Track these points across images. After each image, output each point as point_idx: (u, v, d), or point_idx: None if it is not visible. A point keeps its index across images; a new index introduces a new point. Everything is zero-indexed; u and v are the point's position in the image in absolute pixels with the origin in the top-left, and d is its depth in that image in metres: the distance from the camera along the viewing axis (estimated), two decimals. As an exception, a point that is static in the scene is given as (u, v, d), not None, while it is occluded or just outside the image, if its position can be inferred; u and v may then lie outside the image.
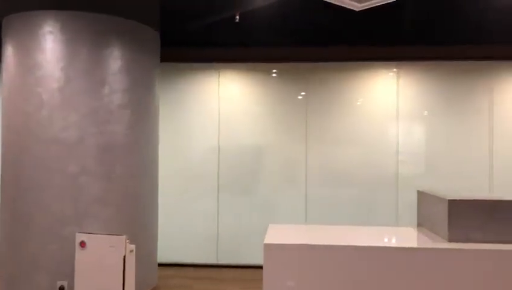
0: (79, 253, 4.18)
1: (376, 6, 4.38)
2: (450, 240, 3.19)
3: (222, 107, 6.43)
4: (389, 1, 4.12)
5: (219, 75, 6.47)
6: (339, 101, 6.25)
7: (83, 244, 4.18)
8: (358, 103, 6.21)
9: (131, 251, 4.21)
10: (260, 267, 3.25)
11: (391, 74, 6.20)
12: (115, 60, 4.59)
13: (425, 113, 6.17)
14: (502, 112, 5.96)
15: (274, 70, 6.48)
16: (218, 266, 6.28)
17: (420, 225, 3.91)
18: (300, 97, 6.32)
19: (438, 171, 6.06)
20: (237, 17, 4.79)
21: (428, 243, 3.25)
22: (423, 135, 6.17)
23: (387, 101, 6.18)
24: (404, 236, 3.68)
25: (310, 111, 6.29)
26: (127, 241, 4.16)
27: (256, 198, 6.31)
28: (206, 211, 6.33)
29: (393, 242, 3.16)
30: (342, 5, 3.77)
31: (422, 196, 3.95)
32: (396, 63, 6.17)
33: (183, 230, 6.32)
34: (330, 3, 3.94)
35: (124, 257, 4.11)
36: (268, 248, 3.16)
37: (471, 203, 3.27)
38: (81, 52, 4.43)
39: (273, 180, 6.30)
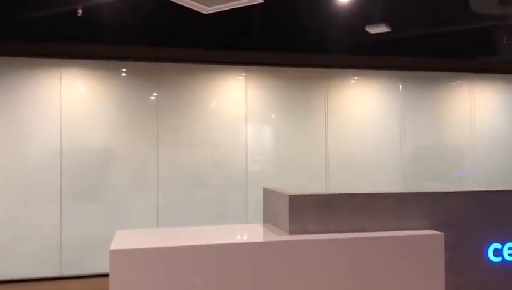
0: None
1: (226, 11, 4.51)
2: (291, 233, 3.42)
3: (65, 107, 5.98)
4: (237, 6, 4.27)
5: (61, 72, 6.01)
6: (191, 103, 6.29)
7: None
8: (212, 105, 6.33)
9: (-48, 271, 3.66)
10: (108, 275, 3.10)
11: (240, 77, 6.45)
12: None
13: (273, 116, 6.55)
14: (336, 115, 6.62)
15: (124, 70, 6.25)
16: (61, 278, 5.81)
17: (266, 221, 4.13)
18: (152, 98, 6.20)
19: (284, 169, 6.49)
20: (80, 11, 4.51)
21: (271, 236, 3.44)
22: (270, 136, 6.55)
23: (236, 103, 6.41)
24: (250, 232, 3.84)
25: (161, 112, 6.21)
26: None
27: (105, 204, 6.00)
28: (47, 220, 5.81)
29: (239, 238, 3.28)
30: (190, 7, 3.79)
31: (266, 193, 4.17)
32: (245, 67, 6.44)
33: (21, 242, 5.71)
34: (179, 4, 3.94)
35: None
36: (115, 254, 3.02)
37: (309, 197, 3.55)
38: None
39: (123, 185, 6.07)
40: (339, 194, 3.66)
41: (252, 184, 6.20)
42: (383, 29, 5.08)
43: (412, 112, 6.74)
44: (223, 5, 3.88)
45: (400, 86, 6.77)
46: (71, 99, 5.95)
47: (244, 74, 6.41)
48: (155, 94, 6.21)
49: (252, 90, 6.39)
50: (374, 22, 5.03)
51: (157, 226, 5.93)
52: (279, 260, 3.20)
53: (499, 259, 3.78)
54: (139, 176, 6.07)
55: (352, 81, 6.74)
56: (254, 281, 3.11)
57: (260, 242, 3.23)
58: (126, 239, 3.36)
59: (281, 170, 6.47)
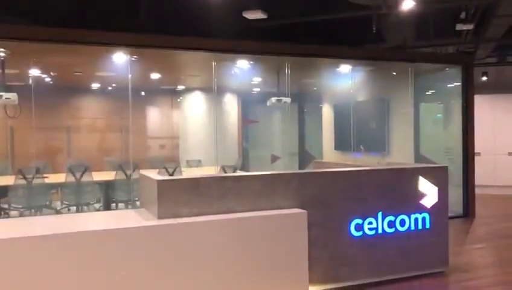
0: None
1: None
2: (160, 217, 3.43)
3: None
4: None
5: None
6: (74, 84, 5.99)
7: None
8: (98, 87, 6.09)
9: None
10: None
11: (128, 59, 6.25)
12: None
13: (159, 99, 6.45)
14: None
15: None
16: None
17: (142, 206, 4.09)
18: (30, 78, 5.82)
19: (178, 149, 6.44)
20: None
21: (137, 222, 3.42)
22: (164, 118, 6.48)
23: (122, 85, 6.21)
24: (118, 218, 3.77)
25: (39, 94, 5.84)
26: None
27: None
28: None
29: (100, 225, 3.23)
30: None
31: (142, 178, 4.12)
32: (132, 49, 6.24)
33: None
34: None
35: None
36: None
37: (178, 182, 3.58)
38: None
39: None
40: (207, 177, 3.72)
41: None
42: (259, 15, 5.19)
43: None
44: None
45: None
46: None
47: (136, 56, 6.22)
48: (35, 75, 5.84)
49: (138, 72, 6.23)
50: (251, 7, 5.12)
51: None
52: (147, 244, 3.19)
53: (360, 233, 4.09)
54: None
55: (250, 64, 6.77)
56: (121, 267, 3.09)
57: (125, 228, 3.19)
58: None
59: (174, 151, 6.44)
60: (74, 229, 3.13)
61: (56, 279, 2.92)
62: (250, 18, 5.29)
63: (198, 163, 8.63)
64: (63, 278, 2.94)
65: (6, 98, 5.76)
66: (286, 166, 10.22)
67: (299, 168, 10.39)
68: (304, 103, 11.15)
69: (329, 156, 9.69)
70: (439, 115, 8.59)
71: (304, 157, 10.96)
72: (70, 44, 5.99)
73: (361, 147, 8.23)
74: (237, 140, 10.11)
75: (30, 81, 5.91)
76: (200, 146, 9.21)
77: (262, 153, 10.68)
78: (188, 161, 8.62)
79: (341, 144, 9.17)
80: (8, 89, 5.86)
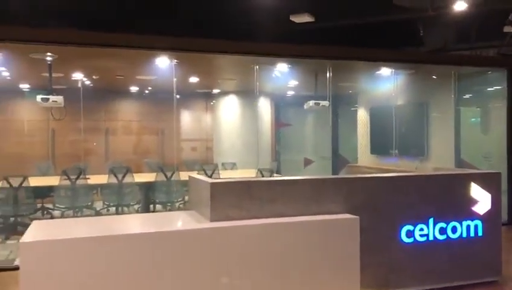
0: None
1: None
2: (212, 220, 3.44)
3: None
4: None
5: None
6: (120, 89, 6.08)
7: None
8: (142, 91, 6.16)
9: None
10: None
11: (175, 62, 6.33)
12: None
13: (210, 103, 6.49)
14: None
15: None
16: None
17: (192, 208, 4.11)
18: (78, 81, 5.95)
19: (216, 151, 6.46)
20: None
21: (191, 224, 3.44)
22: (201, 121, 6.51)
23: (167, 89, 6.29)
24: (171, 220, 3.81)
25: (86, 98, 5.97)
26: None
27: None
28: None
29: (158, 227, 3.25)
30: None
31: (192, 181, 4.15)
32: (175, 53, 6.31)
33: None
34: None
35: None
36: (27, 246, 2.92)
37: (230, 184, 3.59)
38: None
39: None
40: (259, 180, 3.72)
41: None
42: (306, 18, 5.17)
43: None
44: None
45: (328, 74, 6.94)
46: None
47: (177, 60, 6.29)
48: (78, 78, 5.96)
49: (182, 76, 6.30)
50: (298, 11, 5.11)
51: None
52: (200, 247, 3.21)
53: (411, 240, 4.02)
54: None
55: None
56: (175, 269, 3.11)
57: (180, 230, 3.22)
58: (41, 230, 3.24)
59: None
60: (129, 231, 3.18)
61: (110, 280, 2.97)
62: (297, 22, 5.29)
63: (233, 166, 8.66)
64: (117, 279, 2.98)
65: (53, 101, 5.92)
66: (319, 170, 10.15)
67: (333, 173, 10.30)
68: (338, 106, 11.06)
69: (365, 160, 9.57)
70: (477, 119, 8.39)
71: (338, 161, 10.87)
72: (114, 48, 6.10)
73: (396, 152, 8.11)
74: (270, 143, 10.10)
75: (79, 84, 6.03)
76: (234, 149, 9.25)
77: (295, 156, 10.65)
78: (223, 164, 8.66)
79: (378, 148, 9.05)
80: (55, 92, 6.01)
